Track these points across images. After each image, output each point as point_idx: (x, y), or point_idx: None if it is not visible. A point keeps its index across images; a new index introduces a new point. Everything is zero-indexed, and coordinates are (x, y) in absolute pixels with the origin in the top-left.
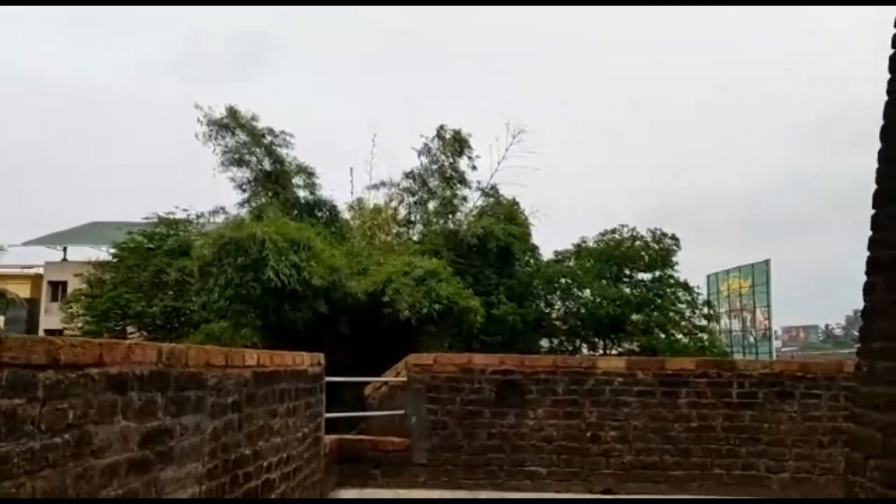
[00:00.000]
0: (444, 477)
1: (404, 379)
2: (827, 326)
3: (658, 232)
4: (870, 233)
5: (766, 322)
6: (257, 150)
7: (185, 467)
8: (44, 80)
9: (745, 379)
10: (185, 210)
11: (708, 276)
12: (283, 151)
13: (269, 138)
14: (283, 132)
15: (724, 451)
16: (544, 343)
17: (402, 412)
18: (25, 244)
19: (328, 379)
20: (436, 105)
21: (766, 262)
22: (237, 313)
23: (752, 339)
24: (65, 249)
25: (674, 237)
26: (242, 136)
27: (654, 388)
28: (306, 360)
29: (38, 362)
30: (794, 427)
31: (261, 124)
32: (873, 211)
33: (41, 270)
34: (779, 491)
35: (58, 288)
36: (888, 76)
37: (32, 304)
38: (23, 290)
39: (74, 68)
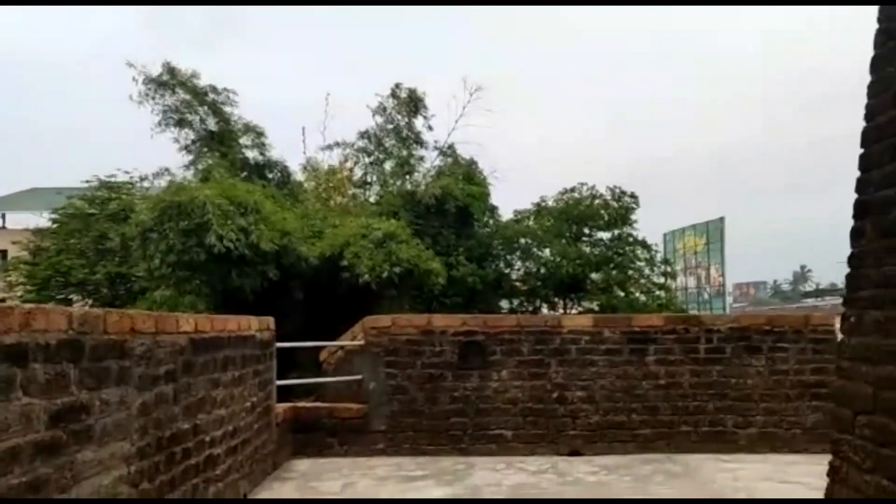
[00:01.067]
0: (405, 444)
1: (361, 342)
2: (775, 282)
3: (617, 190)
4: (857, 174)
5: (721, 279)
6: (200, 108)
7: (107, 447)
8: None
9: (713, 334)
10: (127, 173)
11: (664, 235)
12: (228, 110)
13: (211, 96)
14: (225, 89)
15: (692, 407)
16: (504, 304)
17: (359, 377)
18: None
19: (280, 345)
20: (391, 64)
21: (721, 220)
22: (181, 280)
23: (706, 296)
24: (3, 216)
25: (633, 195)
26: (183, 95)
27: (621, 346)
28: (254, 325)
29: None
30: (761, 381)
31: (202, 82)
32: (861, 150)
33: None
34: (746, 446)
35: None
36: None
37: None
38: None
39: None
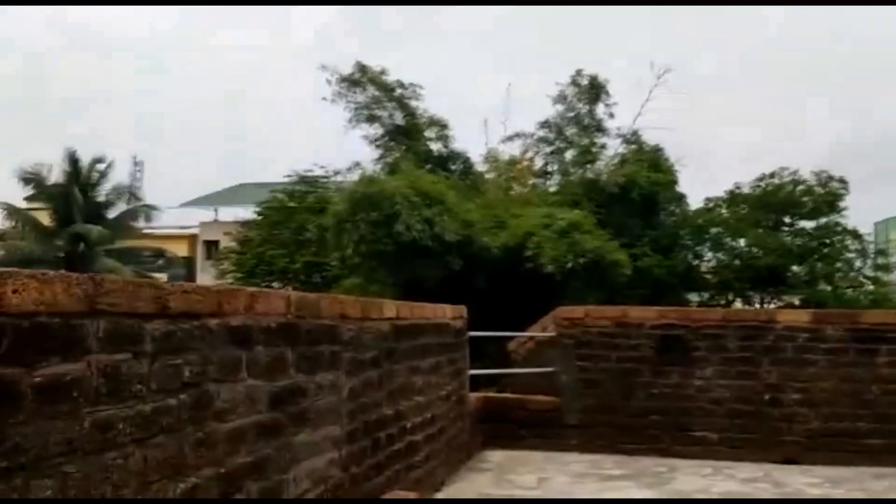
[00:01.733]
0: (599, 440)
1: (553, 334)
2: None
3: (824, 175)
4: None
5: None
6: (388, 104)
7: (321, 430)
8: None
9: None
10: (322, 168)
11: (875, 224)
12: (414, 104)
13: (399, 91)
14: (412, 84)
15: None
16: (693, 297)
17: (550, 369)
18: (182, 206)
19: (471, 333)
20: (574, 52)
21: None
22: (369, 269)
23: None
24: (216, 210)
25: (842, 180)
26: (372, 91)
27: (846, 345)
28: (448, 313)
29: (145, 311)
30: None
31: (390, 78)
32: None
33: (196, 231)
34: None
35: (211, 247)
36: None
37: (189, 262)
38: (180, 250)
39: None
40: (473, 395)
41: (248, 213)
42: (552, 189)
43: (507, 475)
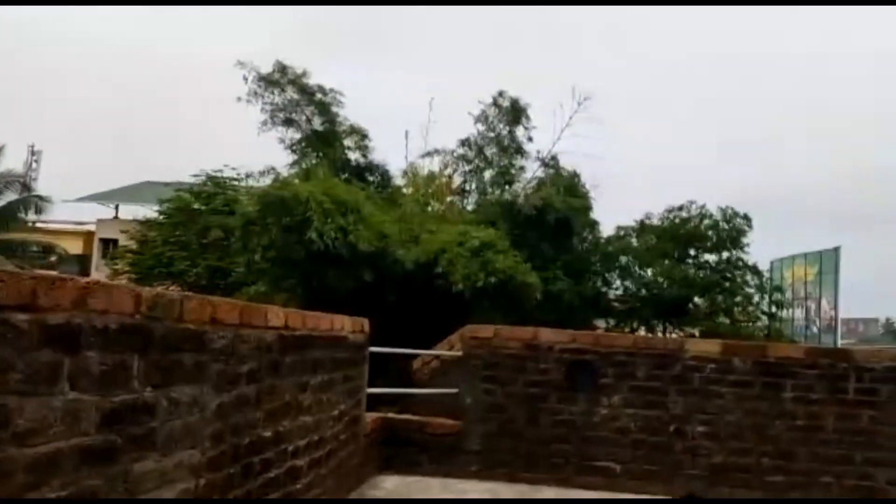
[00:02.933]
0: (500, 468)
1: (459, 353)
2: (887, 319)
3: (729, 210)
4: None
5: (832, 312)
6: (307, 108)
7: (173, 455)
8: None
9: (866, 373)
10: (234, 169)
11: (772, 262)
12: (334, 110)
13: (319, 96)
14: (332, 90)
15: (836, 456)
16: (600, 323)
17: (454, 391)
18: (78, 200)
19: (373, 349)
20: (496, 71)
21: (836, 250)
22: (277, 276)
23: (815, 330)
24: (116, 208)
25: (745, 217)
26: (292, 94)
27: (752, 379)
28: (347, 326)
29: None
30: None
31: (311, 81)
32: None
33: (93, 227)
34: None
35: (109, 245)
36: None
37: (83, 259)
38: (75, 246)
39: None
40: (370, 416)
41: (150, 211)
42: (469, 208)
43: None
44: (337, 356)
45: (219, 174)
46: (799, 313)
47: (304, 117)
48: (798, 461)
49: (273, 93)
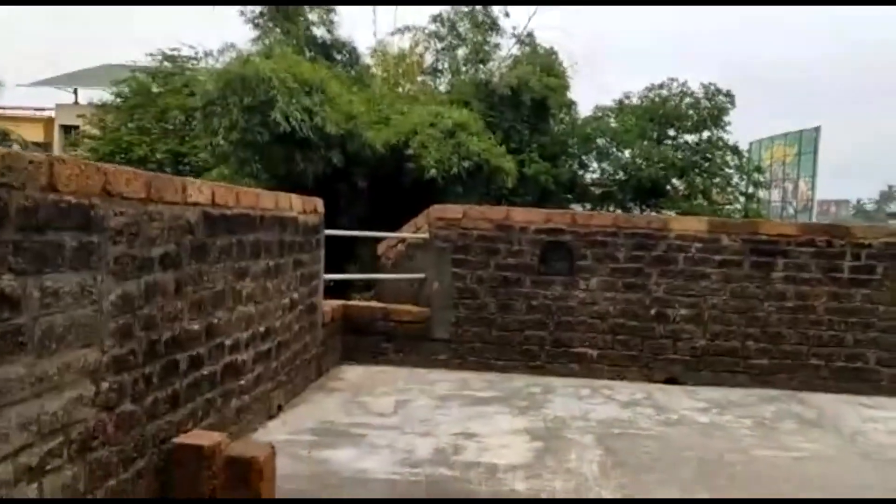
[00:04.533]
0: (470, 356)
1: (426, 236)
2: (858, 201)
3: (711, 87)
4: None
5: (809, 193)
6: None
7: (55, 357)
8: None
9: (862, 249)
10: (192, 48)
11: (751, 143)
12: None
13: None
14: None
15: (826, 337)
16: (576, 207)
17: (421, 276)
18: (34, 84)
19: (329, 232)
20: None
21: (816, 130)
22: (241, 160)
23: (791, 211)
24: (75, 92)
25: (728, 94)
26: None
27: (741, 258)
28: (296, 205)
29: None
30: None
31: None
32: None
33: (53, 113)
34: (889, 387)
35: (70, 132)
36: None
37: (46, 147)
38: (34, 134)
39: None
40: (330, 304)
41: (110, 95)
42: (442, 88)
43: (361, 397)
44: (285, 239)
45: (175, 52)
46: (776, 195)
47: None
48: (785, 344)
49: None
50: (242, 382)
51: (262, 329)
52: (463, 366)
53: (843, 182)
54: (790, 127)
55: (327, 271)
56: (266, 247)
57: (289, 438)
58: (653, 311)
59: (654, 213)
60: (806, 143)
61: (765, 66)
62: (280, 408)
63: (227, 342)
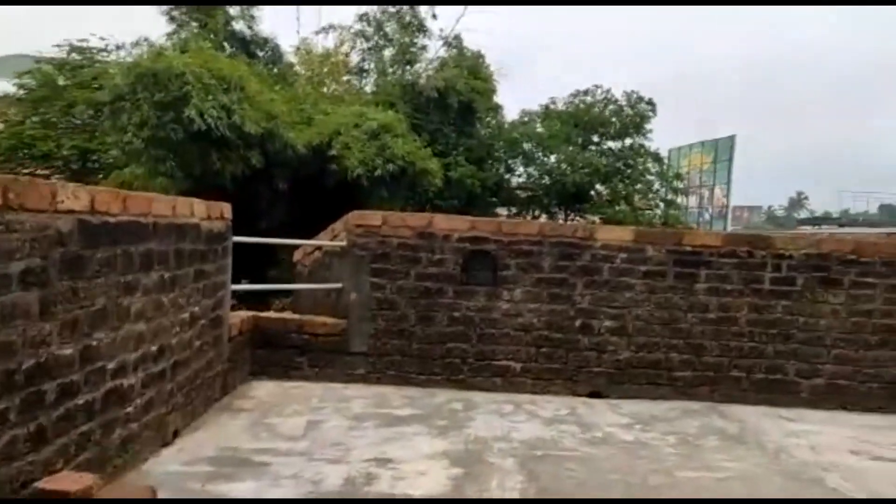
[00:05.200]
0: (389, 370)
1: (343, 243)
2: (769, 207)
3: (634, 95)
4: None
5: (724, 200)
6: None
7: None
8: None
9: (783, 261)
10: (103, 39)
11: (670, 150)
12: None
13: None
14: None
15: (747, 349)
16: (502, 211)
17: (338, 286)
18: None
19: (237, 239)
20: None
21: (732, 138)
22: (154, 159)
23: (707, 216)
24: None
25: (650, 102)
26: None
27: (665, 269)
28: (198, 211)
29: None
30: (836, 323)
31: None
32: None
33: None
34: (808, 399)
35: None
36: None
37: None
38: None
39: None
40: (240, 316)
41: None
42: (368, 89)
43: (270, 418)
44: (185, 248)
45: (84, 43)
46: (693, 201)
47: None
48: (708, 355)
49: None
50: (129, 409)
51: (154, 348)
52: (382, 380)
53: (756, 188)
54: (707, 135)
55: (248, 277)
56: (161, 257)
57: (182, 470)
58: (577, 323)
59: (579, 221)
60: (722, 151)
61: (685, 77)
62: (177, 433)
63: (110, 366)
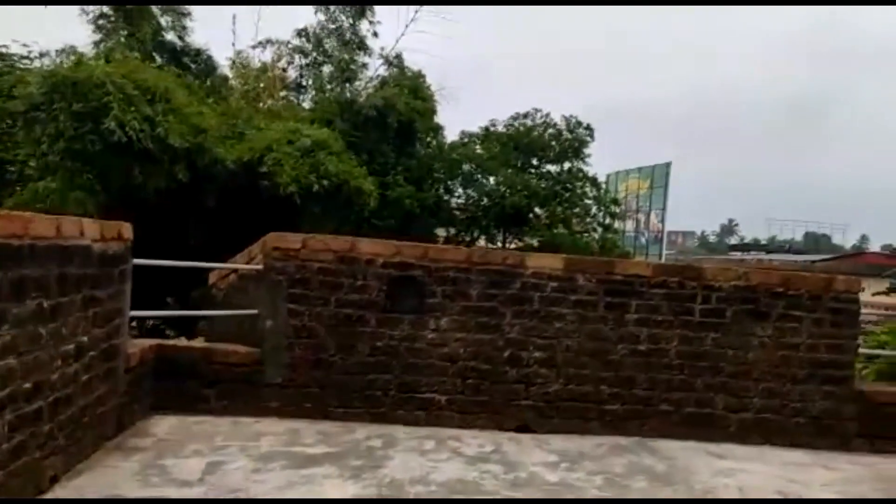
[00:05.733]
0: (306, 403)
1: (260, 267)
2: (702, 233)
3: (573, 119)
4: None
5: (660, 225)
6: None
7: None
8: None
9: (713, 292)
10: (25, 46)
11: (608, 175)
12: None
13: None
14: None
15: (677, 382)
16: (441, 232)
17: (253, 312)
18: None
19: (139, 262)
20: None
21: (668, 165)
22: (70, 172)
23: (643, 241)
24: None
25: (588, 127)
26: None
27: (596, 299)
28: (90, 231)
29: None
30: (764, 356)
31: None
32: None
33: None
34: (736, 434)
35: None
36: None
37: None
38: None
39: None
40: (140, 345)
41: None
42: (306, 105)
43: (166, 459)
44: (70, 272)
45: (4, 49)
46: (630, 225)
47: None
48: (637, 388)
49: None
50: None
51: (27, 385)
52: (297, 413)
53: (689, 215)
54: (644, 161)
55: (169, 296)
56: (38, 283)
57: None
58: (506, 354)
59: (513, 244)
60: (658, 177)
61: (624, 102)
62: (55, 479)
63: None
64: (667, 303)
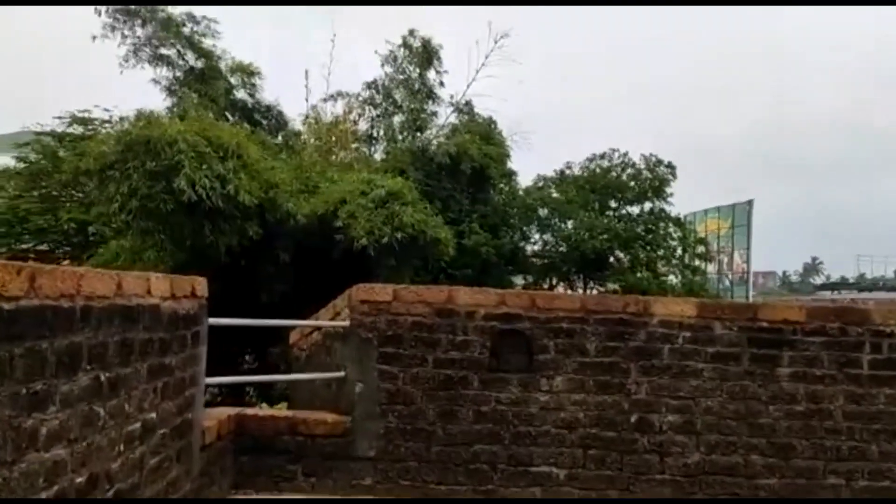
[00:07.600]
0: (403, 479)
1: (346, 323)
2: (784, 273)
3: (653, 158)
4: None
5: (744, 265)
6: (177, 42)
7: None
8: None
9: (884, 339)
10: (106, 111)
11: (685, 216)
12: (209, 43)
13: (189, 26)
14: (205, 17)
15: (846, 449)
16: (518, 280)
17: (340, 374)
18: None
19: (213, 321)
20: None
21: (749, 203)
22: (143, 232)
23: (727, 283)
24: None
25: (670, 165)
26: (154, 26)
27: (739, 350)
28: (158, 289)
29: None
30: None
31: (176, 9)
32: None
33: None
34: None
35: None
36: None
37: None
38: None
39: None
40: (218, 416)
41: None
42: (378, 156)
43: None
44: (134, 337)
45: (86, 114)
46: (712, 267)
47: (174, 51)
48: (797, 458)
49: (134, 24)
50: None
51: (81, 479)
52: (394, 490)
53: (769, 253)
54: (721, 200)
55: (246, 353)
56: (94, 352)
57: None
58: (633, 418)
59: (630, 295)
60: (739, 216)
61: (698, 138)
62: None
63: None
64: (826, 353)
